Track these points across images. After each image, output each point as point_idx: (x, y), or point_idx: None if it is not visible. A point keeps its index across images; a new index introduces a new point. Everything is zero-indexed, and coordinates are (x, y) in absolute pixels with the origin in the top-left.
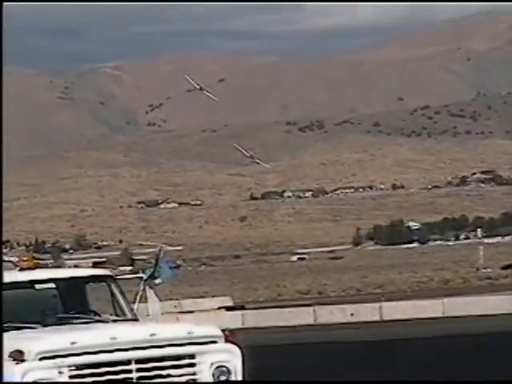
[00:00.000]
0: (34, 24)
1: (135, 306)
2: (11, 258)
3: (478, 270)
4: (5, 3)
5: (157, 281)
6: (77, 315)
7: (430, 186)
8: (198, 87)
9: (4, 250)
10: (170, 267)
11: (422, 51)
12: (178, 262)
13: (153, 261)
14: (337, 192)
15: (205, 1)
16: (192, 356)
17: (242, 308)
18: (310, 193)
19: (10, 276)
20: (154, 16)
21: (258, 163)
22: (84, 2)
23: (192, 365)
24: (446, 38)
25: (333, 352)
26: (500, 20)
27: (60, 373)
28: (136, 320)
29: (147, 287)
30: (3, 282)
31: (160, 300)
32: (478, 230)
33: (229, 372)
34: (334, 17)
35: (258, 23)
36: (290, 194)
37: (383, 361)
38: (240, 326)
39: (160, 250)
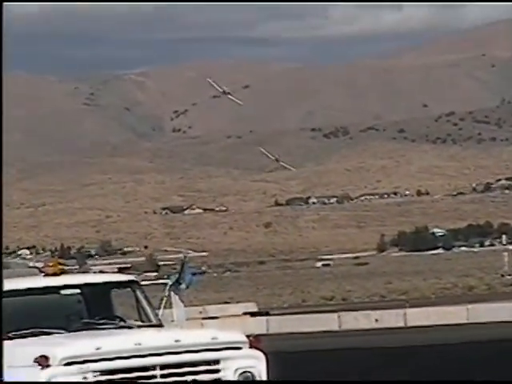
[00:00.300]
0: (59, 31)
1: (160, 312)
2: (36, 264)
3: (502, 276)
4: (5, 3)
5: (181, 287)
6: (102, 321)
7: (454, 193)
8: (221, 91)
9: (29, 256)
10: (193, 273)
11: (445, 58)
12: (203, 268)
13: (178, 267)
14: (361, 198)
15: (229, 8)
16: (216, 362)
17: (267, 314)
18: (335, 199)
19: (35, 282)
20: (179, 22)
21: (285, 167)
22: (109, 8)
23: (216, 371)
24: (469, 45)
25: (357, 358)
26: None
27: (84, 378)
28: (161, 326)
29: (172, 293)
30: (29, 287)
31: (185, 306)
32: (503, 236)
33: (253, 378)
34: (357, 23)
35: (281, 30)
36: (315, 200)
37: (406, 367)
38: (264, 331)
39: (185, 257)
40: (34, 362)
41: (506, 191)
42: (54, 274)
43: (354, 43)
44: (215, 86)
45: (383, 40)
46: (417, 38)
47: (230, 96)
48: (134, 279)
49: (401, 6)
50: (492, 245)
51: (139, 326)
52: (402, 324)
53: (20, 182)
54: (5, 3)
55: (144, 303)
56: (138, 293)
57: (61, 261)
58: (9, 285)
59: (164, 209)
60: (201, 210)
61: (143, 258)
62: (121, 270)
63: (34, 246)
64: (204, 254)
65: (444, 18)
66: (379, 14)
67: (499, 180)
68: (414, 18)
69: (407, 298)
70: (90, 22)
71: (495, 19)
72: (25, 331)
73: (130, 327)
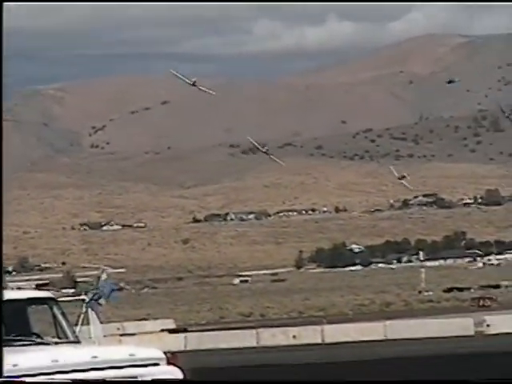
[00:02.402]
0: None
1: (77, 329)
2: None
3: (419, 292)
4: (5, 3)
5: (100, 301)
6: (19, 337)
7: (372, 209)
8: (191, 83)
9: None
10: (113, 289)
11: (364, 74)
12: (121, 285)
13: (95, 283)
14: (280, 214)
15: (152, 24)
16: (134, 378)
17: (185, 330)
18: (253, 215)
19: None
20: (101, 38)
21: (276, 161)
22: (29, 23)
23: None
24: (388, 62)
25: (275, 375)
26: (441, 43)
27: None
28: (78, 342)
29: (89, 309)
30: None
31: (102, 322)
32: (420, 252)
33: None
34: (281, 40)
35: (205, 46)
36: (233, 216)
37: None
38: (182, 348)
39: (102, 272)
40: None
41: (424, 208)
42: None
43: (276, 60)
44: (182, 78)
45: (306, 57)
46: (339, 55)
47: (200, 87)
48: (51, 296)
49: (324, 22)
50: (409, 261)
51: (56, 343)
52: (319, 340)
53: None
54: (5, 3)
55: (61, 320)
56: (55, 309)
57: None
58: None
59: (82, 225)
60: (119, 226)
61: (61, 275)
62: (38, 287)
63: None
64: (122, 270)
65: (366, 34)
66: (303, 31)
67: (417, 197)
68: (337, 36)
69: (325, 314)
70: (9, 37)
71: (412, 36)
72: None
73: (47, 344)
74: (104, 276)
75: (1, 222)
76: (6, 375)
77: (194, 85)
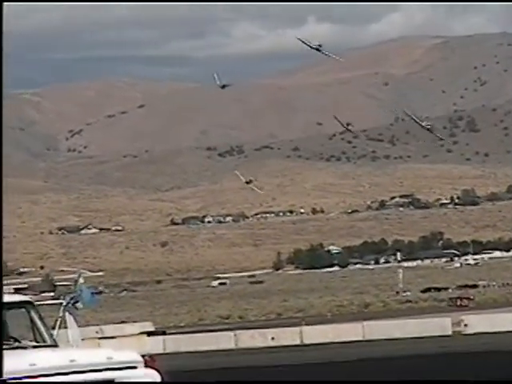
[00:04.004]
0: None
1: (55, 332)
2: None
3: (397, 293)
4: (5, 3)
5: (78, 305)
6: None
7: (349, 210)
8: (315, 47)
9: None
10: (92, 293)
11: (340, 76)
12: (100, 288)
13: (73, 286)
14: (257, 216)
15: (130, 27)
16: (111, 381)
17: (163, 333)
18: (231, 217)
19: None
20: (77, 42)
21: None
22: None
23: None
24: (363, 63)
25: (253, 377)
26: (417, 45)
27: None
28: (56, 346)
29: (67, 313)
30: None
31: (80, 326)
32: (398, 253)
33: None
34: (259, 41)
35: (183, 49)
36: (211, 218)
37: None
38: (161, 351)
39: (79, 276)
40: None
41: (401, 208)
42: None
43: (252, 62)
44: (308, 44)
45: (282, 59)
46: (314, 57)
47: (325, 52)
48: (29, 300)
49: (303, 23)
50: (387, 262)
51: (34, 347)
52: (298, 342)
53: None
54: (5, 3)
55: (39, 323)
56: (33, 313)
57: None
58: None
59: (60, 229)
60: (97, 230)
61: (40, 279)
62: (17, 291)
63: None
64: (100, 273)
65: (345, 36)
66: (281, 33)
67: (393, 197)
68: (315, 37)
69: (303, 315)
70: None
71: (388, 38)
72: None
73: (24, 348)
74: (81, 279)
75: (1, 222)
76: None
77: (318, 49)
